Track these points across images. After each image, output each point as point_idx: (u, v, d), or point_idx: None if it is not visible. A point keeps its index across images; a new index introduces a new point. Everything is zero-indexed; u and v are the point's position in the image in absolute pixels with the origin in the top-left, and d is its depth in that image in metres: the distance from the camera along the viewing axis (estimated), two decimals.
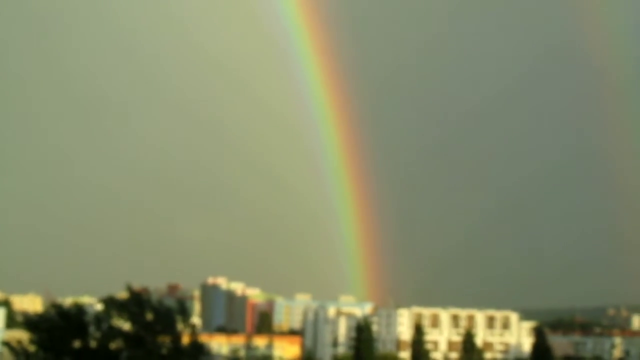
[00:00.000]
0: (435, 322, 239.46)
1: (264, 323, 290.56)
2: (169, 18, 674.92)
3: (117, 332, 72.18)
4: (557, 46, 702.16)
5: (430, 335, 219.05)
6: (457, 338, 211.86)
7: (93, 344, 71.83)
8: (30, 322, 74.33)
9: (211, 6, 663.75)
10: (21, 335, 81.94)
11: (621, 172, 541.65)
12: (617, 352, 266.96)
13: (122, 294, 75.36)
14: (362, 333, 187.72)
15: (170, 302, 76.74)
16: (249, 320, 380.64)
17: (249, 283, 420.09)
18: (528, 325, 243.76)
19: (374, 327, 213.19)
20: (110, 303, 73.22)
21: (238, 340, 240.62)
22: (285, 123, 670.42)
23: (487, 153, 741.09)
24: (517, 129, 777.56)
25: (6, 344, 73.53)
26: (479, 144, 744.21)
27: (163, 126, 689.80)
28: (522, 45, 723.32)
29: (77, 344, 71.82)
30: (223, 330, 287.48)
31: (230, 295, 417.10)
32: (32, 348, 72.17)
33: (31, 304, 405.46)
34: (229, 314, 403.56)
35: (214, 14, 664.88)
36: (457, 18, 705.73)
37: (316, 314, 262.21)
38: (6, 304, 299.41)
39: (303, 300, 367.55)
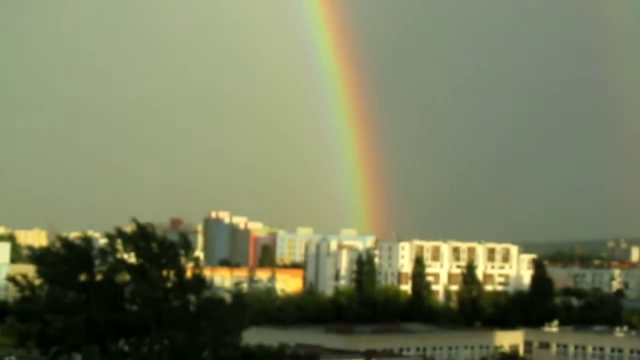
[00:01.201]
0: (436, 255, 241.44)
1: (266, 256, 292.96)
2: None
3: (122, 265, 73.26)
4: None
5: (431, 268, 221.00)
6: (458, 270, 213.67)
7: (98, 277, 72.90)
8: (36, 256, 75.23)
9: None
10: (26, 269, 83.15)
11: (622, 105, 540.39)
12: (616, 284, 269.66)
13: (127, 229, 76.21)
14: (364, 266, 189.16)
15: (174, 237, 77.68)
16: (252, 253, 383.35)
17: (252, 217, 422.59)
18: (528, 257, 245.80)
19: (376, 260, 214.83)
20: (117, 235, 74.04)
21: (241, 274, 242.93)
22: (280, 57, 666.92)
23: (490, 87, 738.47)
24: (518, 63, 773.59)
25: (11, 279, 74.33)
26: (482, 77, 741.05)
27: (166, 65, 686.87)
28: None
29: (82, 277, 72.88)
30: (226, 263, 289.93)
31: (233, 229, 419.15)
32: (38, 281, 73.17)
33: (36, 239, 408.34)
34: (232, 247, 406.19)
35: None
36: None
37: (318, 247, 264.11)
38: (11, 238, 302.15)
39: (305, 233, 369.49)
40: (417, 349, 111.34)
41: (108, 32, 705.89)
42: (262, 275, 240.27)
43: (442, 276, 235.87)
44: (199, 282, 74.98)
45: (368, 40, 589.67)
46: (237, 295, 79.90)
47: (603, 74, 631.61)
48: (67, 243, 74.46)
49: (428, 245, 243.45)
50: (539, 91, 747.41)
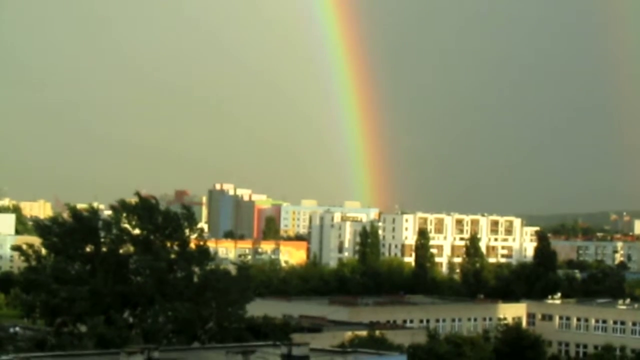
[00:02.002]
0: (440, 227, 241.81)
1: (271, 228, 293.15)
2: None
3: (126, 237, 73.46)
4: None
5: (435, 240, 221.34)
6: (461, 243, 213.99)
7: (104, 248, 73.12)
8: (42, 227, 75.32)
9: None
10: (31, 241, 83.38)
11: (624, 81, 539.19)
12: (619, 256, 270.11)
13: (131, 200, 76.39)
14: (368, 238, 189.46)
15: (178, 209, 77.78)
16: (256, 225, 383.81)
17: (256, 189, 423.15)
18: (531, 230, 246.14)
19: (379, 232, 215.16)
20: (121, 207, 74.18)
21: (245, 245, 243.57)
22: (286, 29, 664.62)
23: (496, 68, 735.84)
24: (521, 46, 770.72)
25: (17, 248, 74.48)
26: (489, 59, 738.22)
27: (172, 38, 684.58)
28: None
29: (88, 248, 73.12)
30: (230, 235, 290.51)
31: (237, 201, 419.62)
32: (43, 252, 73.39)
33: (40, 210, 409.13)
34: (236, 219, 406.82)
35: None
36: None
37: (322, 219, 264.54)
38: (16, 210, 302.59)
39: (309, 205, 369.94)
40: (421, 321, 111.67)
41: (117, 5, 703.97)
42: (267, 247, 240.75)
43: (446, 248, 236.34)
44: (203, 254, 75.20)
45: (378, 22, 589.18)
46: (242, 267, 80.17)
47: (604, 56, 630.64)
48: (75, 213, 74.56)
49: (431, 217, 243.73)
50: (545, 73, 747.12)
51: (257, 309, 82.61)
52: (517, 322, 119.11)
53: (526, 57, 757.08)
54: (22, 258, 74.24)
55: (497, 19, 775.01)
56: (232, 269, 79.64)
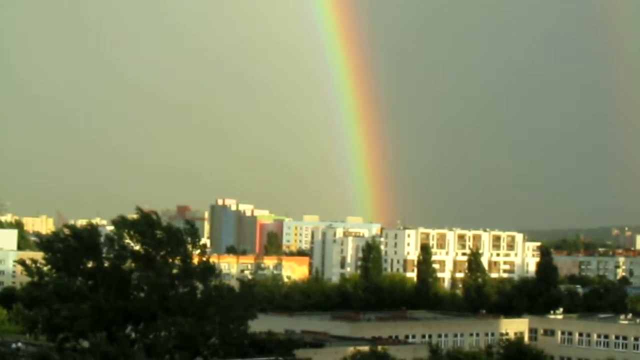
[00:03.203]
0: (442, 242, 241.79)
1: (273, 243, 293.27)
2: None
3: (128, 253, 73.58)
4: None
5: (437, 255, 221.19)
6: (463, 258, 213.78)
7: (106, 264, 73.23)
8: (44, 243, 75.44)
9: None
10: (33, 256, 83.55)
11: (628, 88, 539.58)
12: (621, 271, 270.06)
13: (133, 216, 76.51)
14: (370, 253, 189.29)
15: (180, 224, 77.88)
16: (258, 240, 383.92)
17: (258, 204, 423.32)
18: (533, 245, 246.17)
19: (381, 248, 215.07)
20: (121, 223, 74.29)
21: (247, 261, 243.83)
22: (289, 43, 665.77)
23: (499, 83, 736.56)
24: (526, 61, 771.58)
25: (21, 262, 74.63)
26: (493, 74, 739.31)
27: (174, 54, 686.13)
28: None
29: (90, 264, 73.23)
30: (233, 251, 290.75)
31: (239, 217, 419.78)
32: (46, 268, 73.53)
33: (42, 226, 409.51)
34: (239, 234, 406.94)
35: None
36: None
37: (324, 235, 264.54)
38: (18, 226, 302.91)
39: (311, 221, 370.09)
40: (423, 336, 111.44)
41: (113, 18, 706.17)
42: (269, 262, 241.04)
43: (448, 263, 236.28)
44: (207, 270, 75.21)
45: (381, 37, 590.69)
46: (246, 284, 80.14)
47: (606, 70, 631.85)
48: (74, 231, 74.73)
49: (433, 232, 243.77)
50: (548, 87, 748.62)
51: (259, 324, 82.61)
52: (519, 338, 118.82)
53: (529, 71, 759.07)
54: (25, 273, 74.39)
55: (500, 34, 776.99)
56: (236, 285, 79.70)
